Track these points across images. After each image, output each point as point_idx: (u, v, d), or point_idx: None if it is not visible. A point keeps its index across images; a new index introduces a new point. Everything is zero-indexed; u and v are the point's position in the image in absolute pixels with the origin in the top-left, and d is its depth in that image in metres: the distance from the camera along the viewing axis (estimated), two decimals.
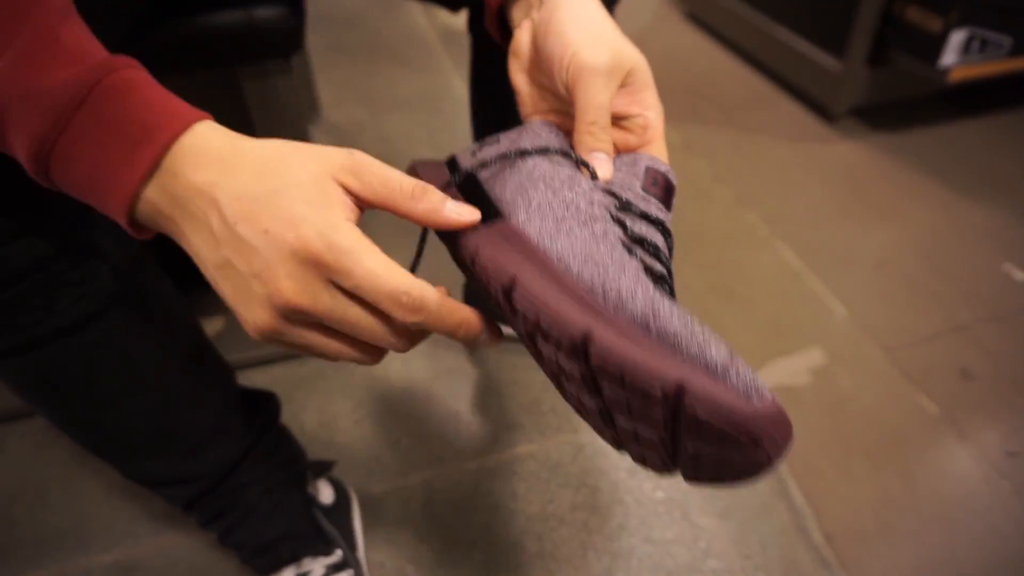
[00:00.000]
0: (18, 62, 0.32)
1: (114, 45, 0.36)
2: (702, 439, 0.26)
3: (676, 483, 0.85)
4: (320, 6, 0.72)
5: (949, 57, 1.33)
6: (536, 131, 0.43)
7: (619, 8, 0.60)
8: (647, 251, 0.36)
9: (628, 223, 0.37)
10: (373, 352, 0.37)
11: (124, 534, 0.81)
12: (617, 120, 0.43)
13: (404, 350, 0.36)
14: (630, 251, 0.35)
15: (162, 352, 0.54)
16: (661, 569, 0.77)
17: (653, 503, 0.83)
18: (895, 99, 1.56)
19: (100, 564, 0.78)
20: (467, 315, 0.36)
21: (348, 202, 0.34)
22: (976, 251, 1.21)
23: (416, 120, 1.53)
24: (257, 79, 0.75)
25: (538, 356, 0.35)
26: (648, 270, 0.34)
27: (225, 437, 0.63)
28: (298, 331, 0.34)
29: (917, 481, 0.87)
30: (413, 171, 0.46)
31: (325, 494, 0.75)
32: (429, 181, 0.41)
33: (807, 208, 1.32)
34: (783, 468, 0.87)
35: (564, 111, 0.46)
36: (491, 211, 0.38)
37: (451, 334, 0.36)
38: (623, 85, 0.42)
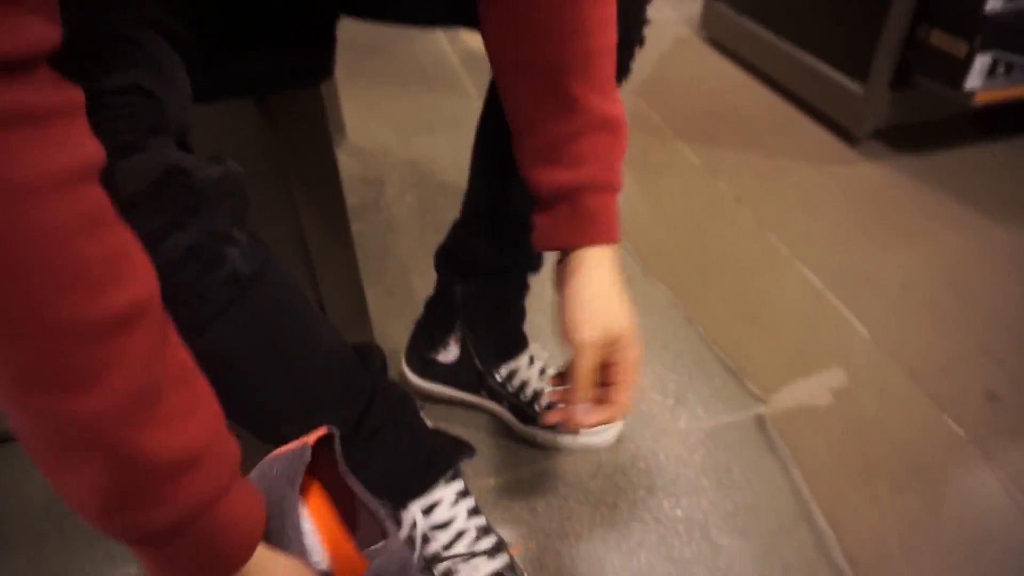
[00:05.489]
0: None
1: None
2: None
3: (696, 502, 0.85)
4: (344, 34, 0.75)
5: (974, 81, 1.33)
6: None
7: None
8: None
9: None
10: None
11: None
12: (604, 367, 0.62)
13: None
14: None
15: (301, 311, 0.57)
16: None
17: (672, 521, 0.83)
18: (918, 121, 1.56)
19: None
20: None
21: None
22: (1000, 274, 1.20)
23: (440, 143, 1.56)
24: (285, 106, 0.78)
25: None
26: None
27: (354, 387, 0.64)
28: None
29: (942, 505, 0.85)
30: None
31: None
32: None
33: (829, 231, 1.31)
34: (805, 490, 0.86)
35: None
36: None
37: None
38: (611, 346, 0.60)
